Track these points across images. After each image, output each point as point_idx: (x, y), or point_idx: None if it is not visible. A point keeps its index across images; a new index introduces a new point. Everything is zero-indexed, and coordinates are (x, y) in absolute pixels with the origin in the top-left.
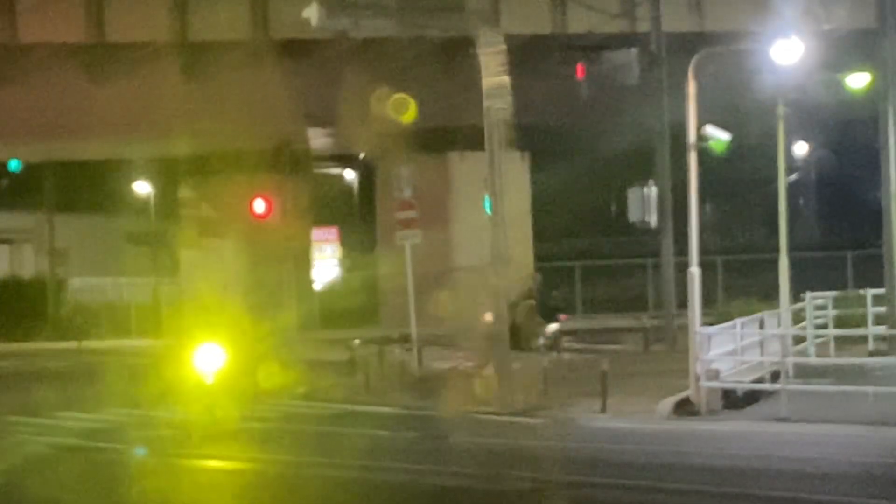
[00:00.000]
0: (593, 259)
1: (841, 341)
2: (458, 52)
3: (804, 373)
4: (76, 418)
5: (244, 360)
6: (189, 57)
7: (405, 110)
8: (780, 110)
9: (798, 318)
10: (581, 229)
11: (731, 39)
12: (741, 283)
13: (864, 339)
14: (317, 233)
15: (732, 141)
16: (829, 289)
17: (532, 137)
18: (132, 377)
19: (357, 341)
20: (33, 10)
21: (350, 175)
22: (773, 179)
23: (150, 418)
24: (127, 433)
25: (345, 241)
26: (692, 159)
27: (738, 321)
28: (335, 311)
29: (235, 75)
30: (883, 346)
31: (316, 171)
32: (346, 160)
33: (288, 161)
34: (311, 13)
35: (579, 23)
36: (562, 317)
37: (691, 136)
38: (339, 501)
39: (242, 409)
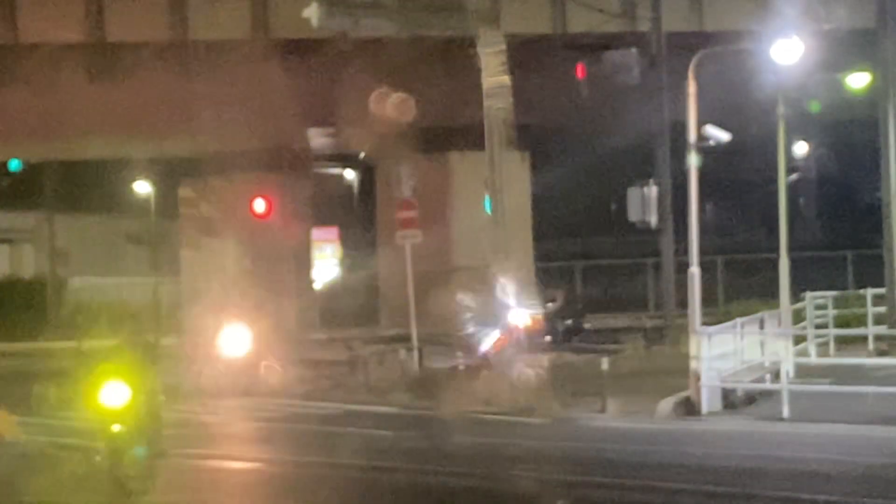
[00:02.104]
0: (593, 259)
1: (841, 341)
2: (458, 52)
3: (804, 373)
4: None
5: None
6: (189, 57)
7: (405, 110)
8: (781, 110)
9: (798, 317)
10: (581, 229)
11: (731, 39)
12: (741, 283)
13: (864, 339)
14: (317, 233)
15: (732, 141)
16: (829, 289)
17: (532, 137)
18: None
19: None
20: (33, 10)
21: (350, 175)
22: (773, 179)
23: None
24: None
25: (345, 241)
26: (692, 159)
27: (738, 321)
28: (335, 311)
29: (235, 75)
30: (883, 346)
31: (316, 171)
32: (346, 160)
33: (288, 161)
34: (311, 13)
35: (579, 23)
36: None
37: (691, 136)
38: (339, 501)
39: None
